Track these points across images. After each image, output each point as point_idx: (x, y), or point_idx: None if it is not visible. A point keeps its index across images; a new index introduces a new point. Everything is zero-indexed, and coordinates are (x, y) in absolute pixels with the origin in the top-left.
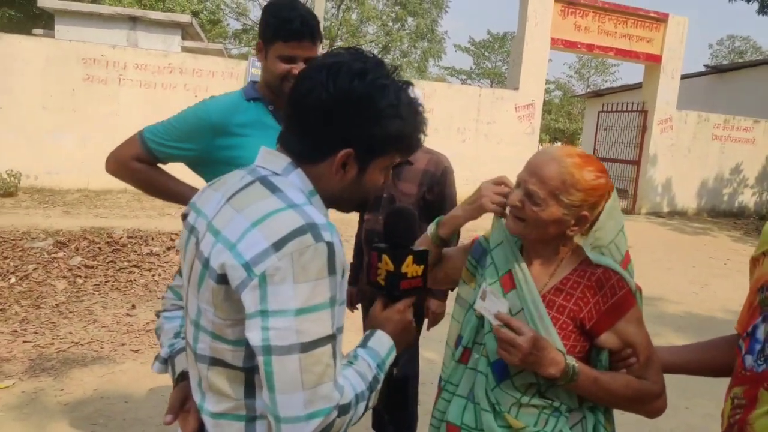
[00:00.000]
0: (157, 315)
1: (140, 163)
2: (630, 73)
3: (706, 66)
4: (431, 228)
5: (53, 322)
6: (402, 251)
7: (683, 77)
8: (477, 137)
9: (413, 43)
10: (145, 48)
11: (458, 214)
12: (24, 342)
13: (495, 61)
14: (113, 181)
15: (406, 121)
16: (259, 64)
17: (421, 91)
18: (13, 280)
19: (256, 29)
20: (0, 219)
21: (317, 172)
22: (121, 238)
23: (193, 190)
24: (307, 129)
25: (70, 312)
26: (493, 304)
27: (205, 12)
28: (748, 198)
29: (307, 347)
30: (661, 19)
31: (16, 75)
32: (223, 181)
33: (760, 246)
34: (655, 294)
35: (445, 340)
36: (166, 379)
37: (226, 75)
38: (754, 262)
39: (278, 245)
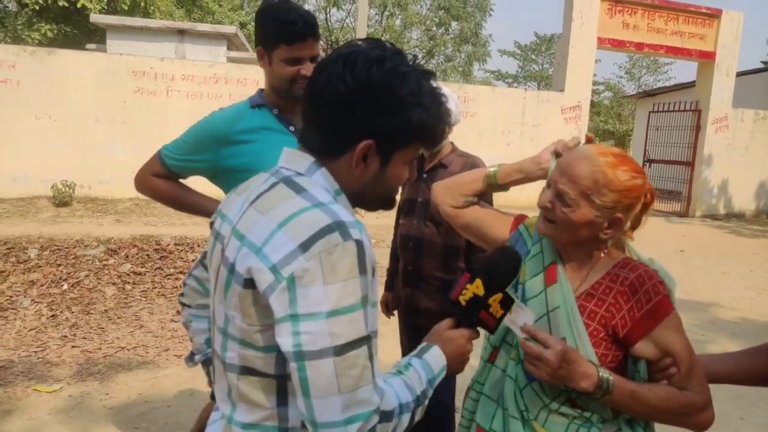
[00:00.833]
0: (181, 303)
1: (160, 179)
2: (684, 71)
3: (764, 62)
4: (493, 168)
5: (102, 328)
6: (497, 286)
7: (739, 74)
8: (522, 140)
9: (457, 48)
10: (192, 59)
11: (520, 167)
12: (73, 347)
13: (542, 63)
14: None
15: (428, 111)
16: None
17: (465, 94)
18: (65, 286)
19: None
20: (55, 228)
21: (339, 167)
22: (168, 245)
23: (213, 202)
24: (325, 123)
25: (118, 318)
26: (519, 315)
27: (252, 23)
28: None
29: (341, 350)
30: (714, 15)
31: (70, 89)
32: (247, 185)
33: None
34: (709, 299)
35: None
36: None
37: None
38: None
39: (305, 246)
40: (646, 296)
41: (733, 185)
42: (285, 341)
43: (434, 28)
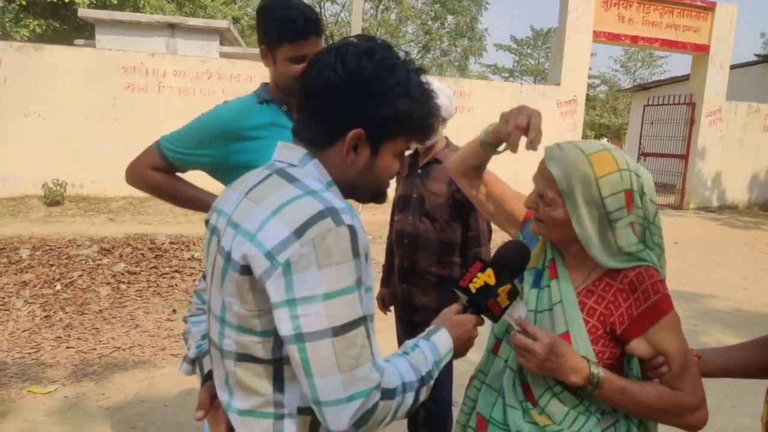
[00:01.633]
0: (185, 320)
1: (157, 172)
2: (679, 65)
3: (758, 55)
4: (485, 130)
5: (96, 328)
6: (508, 276)
7: (733, 67)
8: None
9: (453, 42)
10: (184, 55)
11: (498, 129)
12: (67, 348)
13: (538, 57)
14: None
15: (416, 103)
16: None
17: (461, 89)
18: (58, 287)
19: None
20: (47, 227)
21: (331, 158)
22: (163, 244)
23: (211, 196)
24: (317, 112)
25: (113, 317)
26: (515, 309)
27: (246, 18)
28: None
29: (339, 331)
30: (709, 7)
31: (59, 85)
32: (242, 180)
33: None
34: (703, 290)
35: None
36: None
37: (264, 79)
38: None
39: (299, 232)
40: (645, 295)
41: (726, 178)
42: (284, 326)
43: (430, 22)
